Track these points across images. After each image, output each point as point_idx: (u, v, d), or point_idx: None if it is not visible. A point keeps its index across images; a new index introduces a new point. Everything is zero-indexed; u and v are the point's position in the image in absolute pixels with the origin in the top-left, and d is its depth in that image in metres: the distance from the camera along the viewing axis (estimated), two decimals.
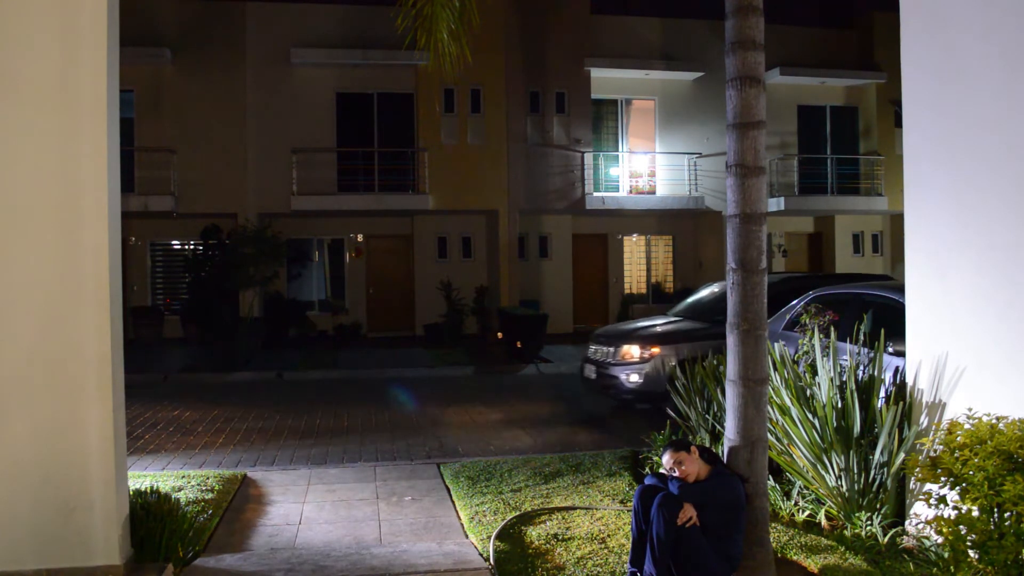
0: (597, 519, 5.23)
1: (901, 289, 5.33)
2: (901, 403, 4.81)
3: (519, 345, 14.66)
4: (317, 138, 17.51)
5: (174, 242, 18.59)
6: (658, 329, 9.63)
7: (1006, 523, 3.36)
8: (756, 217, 4.25)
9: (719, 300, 9.92)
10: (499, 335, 16.15)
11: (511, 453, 7.50)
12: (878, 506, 4.88)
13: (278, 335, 16.91)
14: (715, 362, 6.43)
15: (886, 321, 6.37)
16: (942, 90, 4.75)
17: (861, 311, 7.16)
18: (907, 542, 4.67)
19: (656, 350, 9.02)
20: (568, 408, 10.24)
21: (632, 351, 9.12)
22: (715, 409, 6.17)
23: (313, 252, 19.08)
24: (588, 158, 18.48)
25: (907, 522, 4.80)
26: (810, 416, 5.05)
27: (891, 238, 20.83)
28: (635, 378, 8.95)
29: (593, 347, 9.74)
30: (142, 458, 7.39)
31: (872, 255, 21.08)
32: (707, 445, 5.97)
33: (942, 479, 3.56)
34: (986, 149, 4.42)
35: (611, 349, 9.33)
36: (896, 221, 19.99)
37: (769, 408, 4.82)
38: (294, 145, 17.15)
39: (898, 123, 18.50)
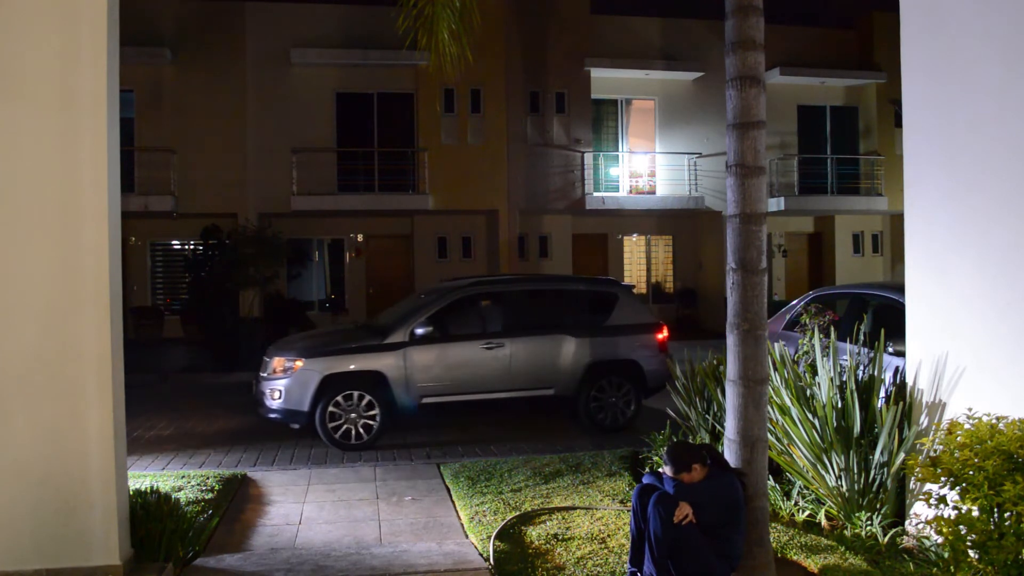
0: (597, 519, 5.23)
1: (901, 289, 5.33)
2: (901, 403, 4.81)
3: None
4: (317, 138, 17.51)
5: (174, 242, 18.59)
6: (316, 340, 8.57)
7: (1006, 523, 3.36)
8: (756, 217, 4.25)
9: (403, 308, 8.95)
10: None
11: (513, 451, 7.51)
12: (878, 506, 4.88)
13: (278, 335, 16.88)
14: (715, 362, 6.43)
15: (886, 321, 6.38)
16: (942, 90, 4.75)
17: (861, 311, 7.17)
18: (907, 542, 4.67)
19: (300, 363, 7.83)
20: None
21: (281, 364, 7.94)
22: (715, 409, 6.17)
23: (313, 252, 19.08)
24: (588, 158, 18.47)
25: (907, 522, 4.80)
26: (810, 416, 5.05)
27: (891, 238, 20.83)
28: (276, 395, 7.83)
29: (263, 359, 8.47)
30: (142, 458, 7.39)
31: (872, 255, 21.08)
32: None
33: (942, 479, 3.56)
34: (986, 149, 4.42)
35: (267, 360, 8.16)
36: (896, 221, 19.98)
37: (769, 408, 4.82)
38: (294, 145, 17.14)
39: (898, 123, 18.48)
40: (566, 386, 8.43)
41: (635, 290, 20.53)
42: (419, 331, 8.03)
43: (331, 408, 7.76)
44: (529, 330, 8.47)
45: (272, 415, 7.95)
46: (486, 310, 8.66)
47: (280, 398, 7.82)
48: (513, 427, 8.87)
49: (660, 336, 8.80)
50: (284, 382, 7.83)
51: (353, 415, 7.81)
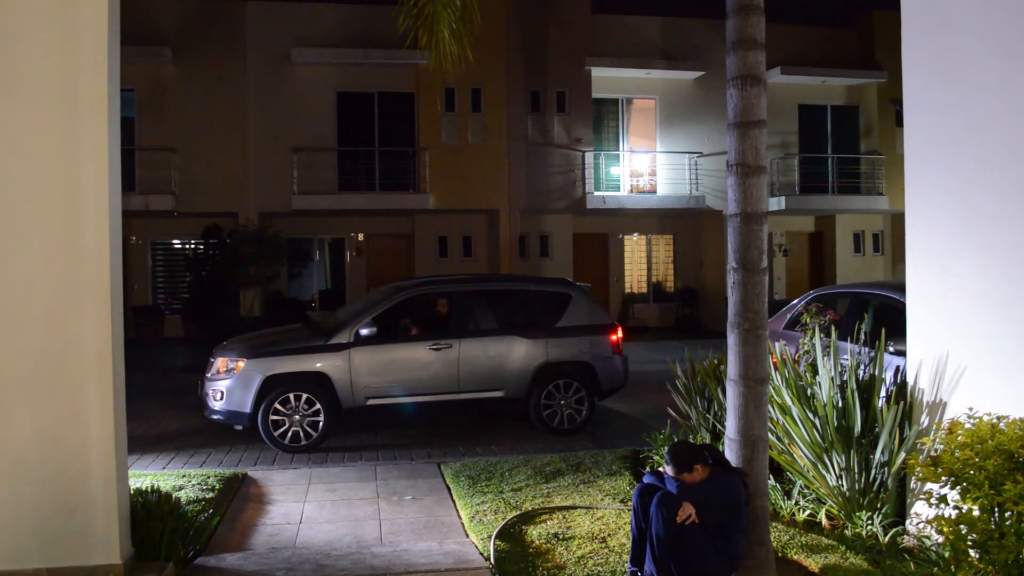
0: (598, 518, 5.23)
1: (902, 288, 5.33)
2: (902, 402, 4.81)
3: None
4: (318, 137, 17.52)
5: (175, 241, 18.59)
6: (260, 340, 8.38)
7: (1007, 522, 3.36)
8: (757, 216, 4.25)
9: (352, 308, 8.87)
10: None
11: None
12: (879, 505, 4.88)
13: None
14: (716, 361, 6.43)
15: (887, 320, 6.38)
16: (943, 90, 4.75)
17: (862, 310, 7.17)
18: (908, 541, 4.67)
19: (241, 364, 7.68)
20: None
21: (224, 364, 7.80)
22: (715, 408, 6.17)
23: (314, 251, 19.08)
24: (589, 157, 18.47)
25: (908, 521, 4.80)
26: (811, 415, 5.05)
27: (892, 238, 20.82)
28: (219, 396, 7.69)
29: (209, 359, 8.26)
30: (143, 457, 7.40)
31: (873, 254, 21.07)
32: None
33: (943, 478, 3.56)
34: (986, 149, 4.42)
35: (212, 361, 8.02)
36: (897, 220, 19.97)
37: (770, 407, 4.82)
38: (295, 144, 17.15)
39: (899, 122, 18.48)
40: (516, 388, 8.27)
41: (635, 289, 20.62)
42: (364, 331, 7.87)
43: (274, 410, 7.63)
44: (478, 331, 8.34)
45: (215, 416, 7.81)
46: (434, 310, 8.54)
47: (222, 399, 7.68)
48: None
49: (614, 337, 8.65)
50: (226, 383, 7.68)
51: (297, 416, 7.66)
